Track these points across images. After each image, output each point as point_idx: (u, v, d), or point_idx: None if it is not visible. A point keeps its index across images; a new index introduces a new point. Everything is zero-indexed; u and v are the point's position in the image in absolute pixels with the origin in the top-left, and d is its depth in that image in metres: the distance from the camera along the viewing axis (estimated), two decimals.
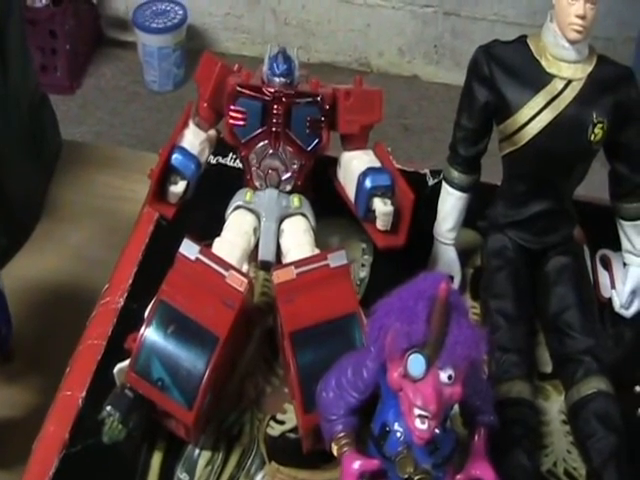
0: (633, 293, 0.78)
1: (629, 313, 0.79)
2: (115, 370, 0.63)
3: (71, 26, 1.87)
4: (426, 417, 0.51)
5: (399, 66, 2.10)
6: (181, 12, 1.95)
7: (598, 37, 1.76)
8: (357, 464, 0.55)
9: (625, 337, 0.78)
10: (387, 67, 2.10)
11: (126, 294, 0.74)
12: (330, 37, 2.07)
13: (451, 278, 0.78)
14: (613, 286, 0.81)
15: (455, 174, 0.75)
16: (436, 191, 0.79)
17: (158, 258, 0.69)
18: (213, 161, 0.86)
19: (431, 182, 0.88)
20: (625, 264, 0.79)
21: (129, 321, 0.69)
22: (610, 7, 1.82)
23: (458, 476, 0.56)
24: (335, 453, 0.57)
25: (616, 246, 0.80)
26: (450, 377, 0.51)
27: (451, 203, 0.76)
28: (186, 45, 1.97)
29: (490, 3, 1.96)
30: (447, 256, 0.78)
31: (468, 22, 2.00)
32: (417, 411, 0.51)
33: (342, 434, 0.56)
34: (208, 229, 0.72)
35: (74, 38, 1.90)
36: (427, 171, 0.88)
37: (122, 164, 1.04)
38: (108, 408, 0.60)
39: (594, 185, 0.81)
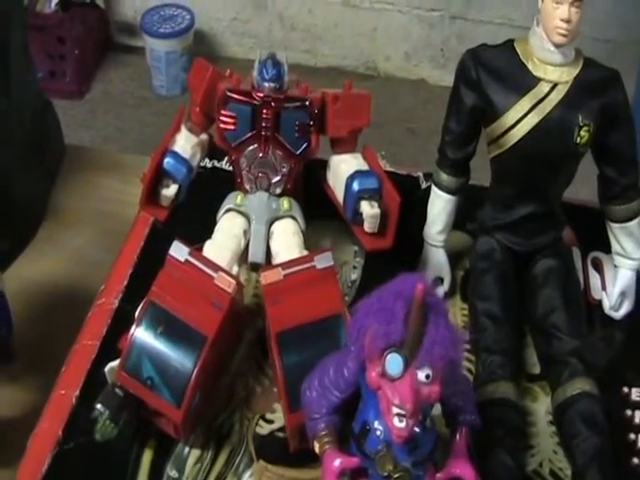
0: (622, 295, 0.78)
1: (618, 315, 0.79)
2: (106, 369, 0.65)
3: (79, 32, 1.90)
4: (404, 416, 0.52)
5: (406, 70, 2.11)
6: (188, 17, 1.97)
7: (599, 39, 1.76)
8: (338, 462, 0.56)
9: (614, 338, 0.79)
10: (394, 71, 2.11)
11: (121, 295, 0.76)
12: (337, 41, 2.09)
13: (441, 280, 0.79)
14: (604, 288, 0.81)
15: (444, 177, 0.76)
16: (429, 194, 0.80)
17: (153, 260, 0.70)
18: (209, 165, 0.87)
19: (424, 185, 0.88)
20: (615, 266, 0.80)
21: (123, 322, 0.70)
22: (613, 9, 1.82)
23: (438, 475, 0.57)
24: (317, 451, 0.58)
25: (608, 249, 0.80)
26: (428, 376, 0.52)
27: (440, 206, 0.77)
28: (193, 50, 1.99)
29: (496, 6, 1.96)
30: (437, 258, 0.79)
31: (474, 26, 2.00)
32: (395, 410, 0.52)
33: (324, 432, 0.57)
34: (203, 232, 0.73)
35: (82, 44, 1.93)
36: (420, 174, 0.89)
37: (125, 168, 1.06)
38: (98, 406, 0.61)
39: (594, 188, 0.81)
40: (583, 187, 0.81)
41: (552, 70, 0.69)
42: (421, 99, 2.07)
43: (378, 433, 0.55)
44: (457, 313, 0.78)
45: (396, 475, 0.54)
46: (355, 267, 0.82)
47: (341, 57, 2.10)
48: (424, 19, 2.02)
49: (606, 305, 0.79)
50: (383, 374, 0.52)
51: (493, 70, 0.71)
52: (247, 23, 2.09)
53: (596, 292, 0.81)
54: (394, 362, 0.51)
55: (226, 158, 0.87)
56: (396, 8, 2.02)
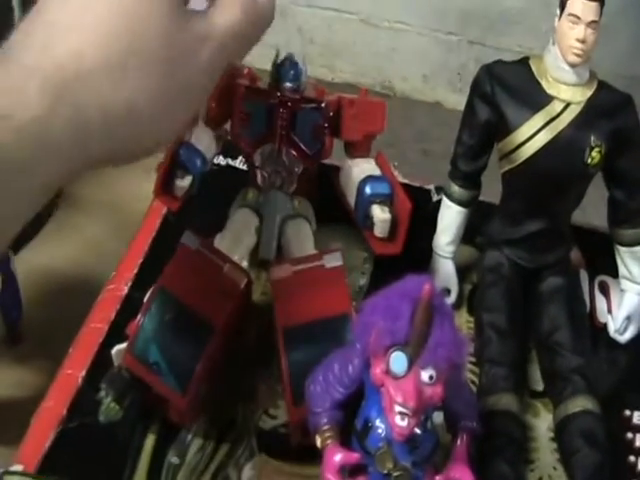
0: (628, 319, 0.79)
1: (623, 338, 0.79)
2: (113, 351, 0.65)
3: None
4: (406, 414, 0.52)
5: (422, 92, 2.12)
6: None
7: (622, 75, 1.76)
8: (338, 457, 0.56)
9: (618, 362, 0.79)
10: (410, 92, 2.13)
11: (130, 283, 0.77)
12: (355, 58, 2.10)
13: (448, 291, 0.80)
14: (610, 311, 0.81)
15: (455, 188, 0.77)
16: (440, 207, 0.80)
17: (163, 251, 0.71)
18: (223, 163, 0.89)
19: (435, 198, 0.89)
20: (622, 290, 0.80)
21: (132, 308, 0.70)
22: (637, 46, 1.82)
23: (437, 477, 0.57)
24: (319, 445, 0.58)
25: (616, 273, 0.80)
26: (431, 377, 0.52)
27: (450, 217, 0.78)
28: None
29: (516, 34, 1.98)
30: (445, 269, 0.79)
31: (492, 52, 2.01)
32: (397, 408, 0.52)
33: (326, 427, 0.58)
34: (215, 228, 0.74)
35: None
36: (432, 187, 0.90)
37: (141, 163, 1.07)
38: (103, 387, 0.62)
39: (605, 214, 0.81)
40: (594, 213, 0.81)
41: (565, 89, 0.70)
42: (436, 121, 2.08)
43: (380, 431, 0.55)
44: (463, 325, 0.79)
45: (396, 474, 0.55)
46: (363, 273, 0.82)
47: (359, 74, 2.12)
48: (442, 42, 2.04)
49: (611, 328, 0.80)
50: (387, 371, 0.52)
51: (508, 85, 0.71)
52: (266, 34, 2.10)
53: (602, 315, 0.81)
54: (398, 360, 0.52)
55: (240, 157, 0.88)
56: (415, 30, 2.03)
